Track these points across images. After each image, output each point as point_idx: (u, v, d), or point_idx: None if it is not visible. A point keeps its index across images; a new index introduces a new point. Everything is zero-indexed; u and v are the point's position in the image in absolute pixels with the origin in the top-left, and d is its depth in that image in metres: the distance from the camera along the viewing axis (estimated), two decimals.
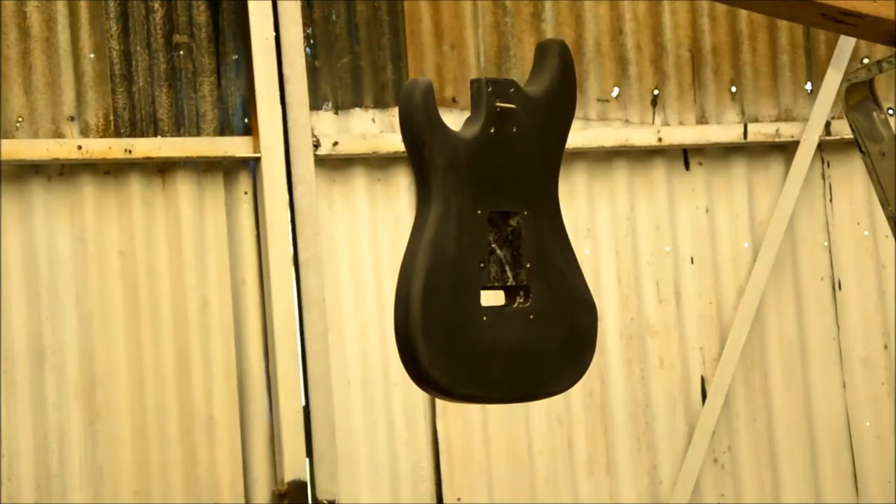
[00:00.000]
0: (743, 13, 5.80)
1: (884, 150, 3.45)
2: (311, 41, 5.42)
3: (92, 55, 5.18)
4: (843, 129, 5.77)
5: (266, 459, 5.25)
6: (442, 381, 2.74)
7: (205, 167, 5.28)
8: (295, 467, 5.20)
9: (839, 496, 5.80)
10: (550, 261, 2.88)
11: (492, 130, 2.83)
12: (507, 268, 2.83)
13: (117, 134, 5.18)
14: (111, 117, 5.19)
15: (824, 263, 5.89)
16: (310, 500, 5.23)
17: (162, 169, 5.23)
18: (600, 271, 5.64)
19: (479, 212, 2.79)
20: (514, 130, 2.85)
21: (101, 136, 5.15)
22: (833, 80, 5.76)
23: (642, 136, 5.69)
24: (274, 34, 5.27)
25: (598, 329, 2.95)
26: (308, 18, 5.39)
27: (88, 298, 5.11)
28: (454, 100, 5.49)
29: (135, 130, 5.21)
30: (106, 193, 5.17)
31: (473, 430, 5.48)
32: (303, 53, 5.32)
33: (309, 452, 5.25)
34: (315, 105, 5.39)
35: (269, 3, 5.28)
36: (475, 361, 2.77)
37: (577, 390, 5.45)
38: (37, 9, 5.13)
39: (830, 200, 5.92)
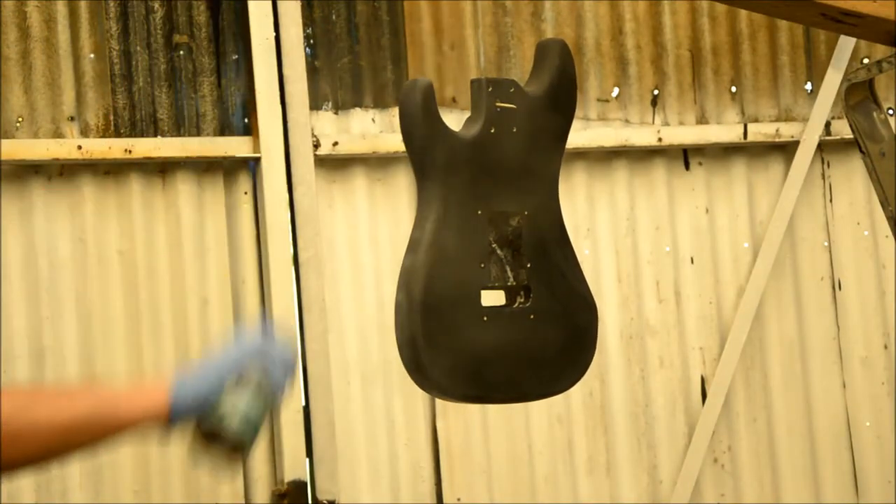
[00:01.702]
0: (743, 13, 5.80)
1: (884, 150, 3.45)
2: (311, 41, 5.42)
3: (92, 55, 5.18)
4: (843, 129, 5.77)
5: (266, 459, 5.25)
6: (443, 382, 2.74)
7: (205, 167, 5.27)
8: (295, 467, 5.20)
9: (839, 496, 5.80)
10: (551, 261, 2.88)
11: (492, 130, 2.83)
12: (508, 268, 2.83)
13: (117, 134, 5.18)
14: (111, 117, 5.19)
15: (824, 263, 5.89)
16: (310, 500, 5.23)
17: (162, 169, 5.23)
18: (600, 271, 5.63)
19: (479, 212, 2.79)
20: (515, 130, 2.85)
21: (101, 136, 5.15)
22: (833, 80, 5.76)
23: (642, 136, 5.69)
24: (274, 34, 5.27)
25: (599, 329, 2.95)
26: (308, 18, 5.39)
27: (88, 298, 5.10)
28: (454, 100, 5.49)
29: (135, 130, 5.20)
30: (106, 193, 5.17)
31: (473, 430, 5.47)
32: (303, 53, 5.32)
33: (309, 452, 5.25)
34: (315, 105, 5.38)
35: (269, 3, 5.28)
36: (476, 361, 2.77)
37: (577, 390, 5.44)
38: (37, 9, 5.13)
39: (830, 200, 5.92)
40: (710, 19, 5.83)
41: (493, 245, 2.82)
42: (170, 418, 2.04)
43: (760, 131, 5.81)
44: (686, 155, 5.82)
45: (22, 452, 1.90)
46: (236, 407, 2.07)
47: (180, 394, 2.04)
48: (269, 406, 2.12)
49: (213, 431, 2.07)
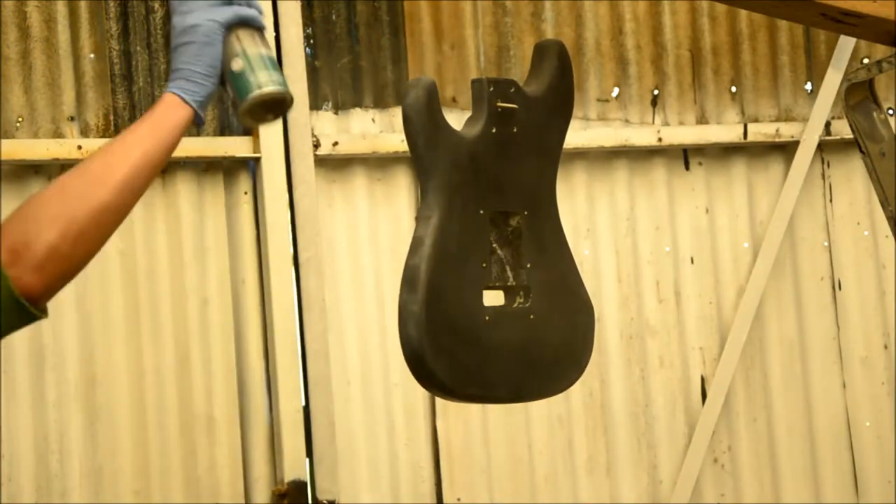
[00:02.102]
0: (743, 13, 5.81)
1: (884, 150, 3.45)
2: (311, 41, 5.42)
3: (92, 55, 5.18)
4: (843, 129, 5.77)
5: (266, 459, 5.25)
6: (446, 381, 2.74)
7: (205, 167, 5.28)
8: (295, 467, 5.20)
9: (839, 496, 5.80)
10: (549, 261, 2.88)
11: (493, 130, 2.83)
12: (508, 268, 2.84)
13: (117, 134, 5.17)
14: (111, 117, 5.19)
15: (824, 263, 5.89)
16: (310, 500, 5.23)
17: (162, 169, 5.22)
18: (600, 271, 5.64)
19: (481, 212, 2.80)
20: (515, 130, 2.86)
21: (102, 136, 5.15)
22: (833, 80, 5.76)
23: (642, 136, 5.69)
24: (274, 34, 5.27)
25: (598, 329, 2.95)
26: (308, 18, 5.39)
27: (88, 298, 5.10)
28: (454, 100, 5.49)
29: None
30: None
31: (473, 430, 5.48)
32: (303, 53, 5.32)
33: (309, 452, 5.25)
34: (315, 105, 5.39)
35: (269, 3, 5.28)
36: (477, 361, 2.78)
37: (577, 390, 5.45)
38: (37, 9, 5.13)
39: (830, 200, 5.93)
40: (710, 19, 5.83)
41: (494, 245, 2.82)
42: (196, 117, 2.11)
43: (760, 131, 5.81)
44: (686, 155, 5.82)
45: (112, 187, 2.01)
46: (251, 71, 2.13)
47: (189, 94, 2.09)
48: (263, 38, 2.15)
49: (253, 105, 2.13)
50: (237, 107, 2.14)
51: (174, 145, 2.12)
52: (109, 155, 2.06)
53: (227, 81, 2.13)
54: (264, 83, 2.12)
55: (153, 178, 2.13)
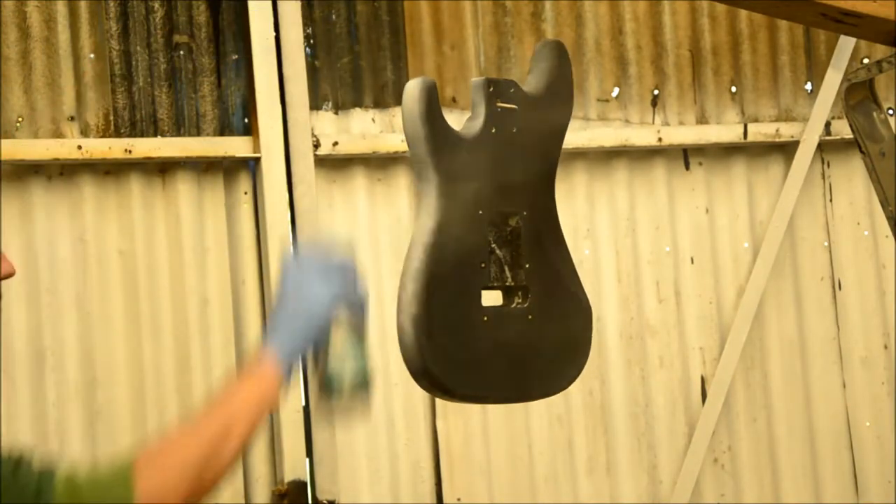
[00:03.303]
0: (743, 13, 5.81)
1: (884, 150, 3.45)
2: (311, 41, 5.42)
3: (92, 55, 5.18)
4: (843, 129, 5.77)
5: (266, 459, 5.25)
6: (444, 381, 2.74)
7: (205, 167, 5.28)
8: (295, 467, 5.20)
9: (839, 496, 5.80)
10: (548, 261, 2.88)
11: (493, 131, 2.83)
12: (506, 268, 2.84)
13: (117, 134, 5.18)
14: (111, 117, 5.19)
15: (824, 263, 5.89)
16: (310, 500, 5.23)
17: (162, 169, 5.23)
18: (600, 271, 5.64)
19: (480, 212, 2.79)
20: (514, 131, 2.85)
21: (101, 136, 5.15)
22: (833, 80, 5.77)
23: (642, 136, 5.69)
24: (274, 34, 5.27)
25: (598, 329, 2.95)
26: (308, 18, 5.39)
27: (88, 298, 5.11)
28: (454, 100, 5.49)
29: (135, 130, 5.20)
30: (106, 193, 5.17)
31: (473, 430, 5.48)
32: (303, 53, 5.32)
33: (309, 452, 5.25)
34: (315, 105, 5.39)
35: (269, 3, 5.28)
36: (476, 361, 2.78)
37: (577, 390, 5.45)
38: (37, 9, 5.13)
39: (830, 200, 5.93)
40: (710, 19, 5.83)
41: (493, 245, 2.82)
42: (283, 382, 2.23)
43: (760, 131, 5.81)
44: (686, 155, 5.82)
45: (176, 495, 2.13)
46: (341, 365, 2.23)
47: (284, 360, 2.22)
48: (364, 338, 2.24)
49: (330, 392, 2.24)
50: (322, 387, 2.25)
51: (255, 425, 2.24)
52: (229, 414, 2.20)
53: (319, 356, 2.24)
54: (339, 385, 2.24)
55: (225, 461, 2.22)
